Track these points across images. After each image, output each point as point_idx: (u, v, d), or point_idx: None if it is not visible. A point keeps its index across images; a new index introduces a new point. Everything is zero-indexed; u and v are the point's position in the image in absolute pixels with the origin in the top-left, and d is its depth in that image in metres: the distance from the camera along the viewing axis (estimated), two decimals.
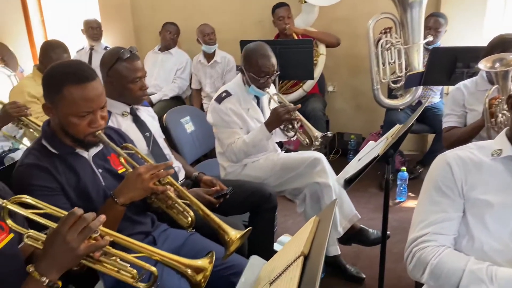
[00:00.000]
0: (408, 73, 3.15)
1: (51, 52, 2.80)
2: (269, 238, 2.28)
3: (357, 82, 4.30)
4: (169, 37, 4.23)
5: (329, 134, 2.21)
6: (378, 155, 1.65)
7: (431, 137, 3.80)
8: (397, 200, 3.37)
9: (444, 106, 2.33)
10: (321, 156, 2.32)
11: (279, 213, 3.05)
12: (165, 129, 2.57)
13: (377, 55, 3.28)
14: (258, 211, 2.20)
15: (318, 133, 2.20)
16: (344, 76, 4.33)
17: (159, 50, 4.31)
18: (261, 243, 2.17)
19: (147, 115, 2.21)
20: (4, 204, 1.01)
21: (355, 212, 2.37)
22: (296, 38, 3.70)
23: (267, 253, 2.16)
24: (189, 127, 2.86)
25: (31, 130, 2.52)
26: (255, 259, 1.35)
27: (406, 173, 3.33)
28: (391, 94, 3.68)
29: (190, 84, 4.30)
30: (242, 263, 1.68)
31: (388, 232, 2.57)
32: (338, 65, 4.21)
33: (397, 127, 1.96)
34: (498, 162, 1.21)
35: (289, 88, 3.84)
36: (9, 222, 1.04)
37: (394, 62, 3.29)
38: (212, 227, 1.44)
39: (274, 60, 2.29)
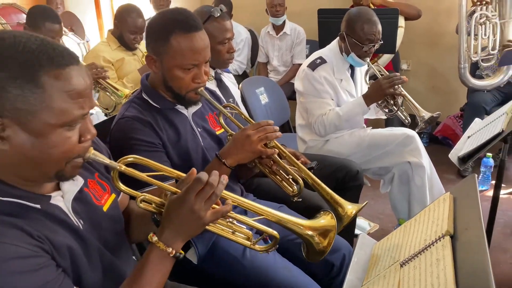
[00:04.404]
0: (505, 50, 2.84)
1: (126, 16, 2.74)
2: (352, 219, 2.13)
3: (434, 61, 4.02)
4: None
5: (435, 115, 2.00)
6: (502, 131, 1.45)
7: None
8: (480, 189, 3.11)
9: None
10: (414, 133, 2.13)
11: None
12: (241, 99, 2.45)
13: (468, 29, 2.98)
14: (342, 189, 2.04)
15: (425, 113, 1.99)
16: (420, 54, 4.04)
17: None
18: None
19: (229, 81, 2.10)
20: (118, 167, 0.89)
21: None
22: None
23: (348, 235, 2.03)
24: (264, 98, 2.73)
25: (107, 93, 2.49)
26: (364, 238, 1.22)
27: (491, 160, 3.06)
28: (475, 74, 3.38)
29: (254, 58, 4.16)
30: (335, 240, 1.56)
31: None
32: (414, 42, 3.94)
33: None
34: None
35: (374, 64, 3.61)
36: (121, 186, 0.93)
37: (487, 38, 2.97)
38: (323, 198, 1.31)
39: (380, 27, 2.09)
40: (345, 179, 2.03)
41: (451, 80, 3.79)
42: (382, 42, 2.13)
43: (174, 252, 0.88)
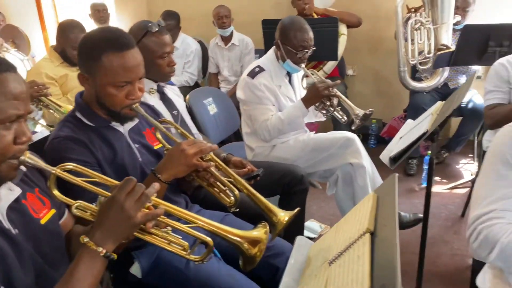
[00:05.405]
0: (438, 53, 3.02)
1: (68, 32, 2.70)
2: (300, 222, 2.19)
3: (377, 65, 4.20)
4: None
5: (368, 112, 2.11)
6: (427, 131, 1.55)
7: (454, 121, 3.70)
8: (423, 185, 3.28)
9: (486, 83, 2.19)
10: (354, 136, 2.23)
11: None
12: (189, 110, 2.47)
13: (405, 35, 3.15)
14: (289, 193, 2.11)
15: (359, 111, 2.10)
16: (364, 59, 4.21)
17: None
18: (291, 227, 2.08)
19: (173, 93, 2.12)
20: (54, 171, 0.94)
21: None
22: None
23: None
24: (212, 109, 2.76)
25: (51, 111, 2.44)
26: (301, 240, 1.27)
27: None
28: (415, 77, 3.56)
29: (205, 69, 4.19)
30: (280, 244, 1.61)
31: (420, 215, 2.51)
32: (358, 48, 4.10)
33: (440, 103, 1.86)
34: None
35: (309, 69, 3.72)
36: (56, 192, 0.97)
37: (423, 43, 3.15)
38: (258, 207, 1.35)
39: (311, 34, 2.23)
40: (291, 184, 2.09)
41: (394, 83, 3.96)
42: (315, 48, 2.25)
43: (104, 251, 0.89)
